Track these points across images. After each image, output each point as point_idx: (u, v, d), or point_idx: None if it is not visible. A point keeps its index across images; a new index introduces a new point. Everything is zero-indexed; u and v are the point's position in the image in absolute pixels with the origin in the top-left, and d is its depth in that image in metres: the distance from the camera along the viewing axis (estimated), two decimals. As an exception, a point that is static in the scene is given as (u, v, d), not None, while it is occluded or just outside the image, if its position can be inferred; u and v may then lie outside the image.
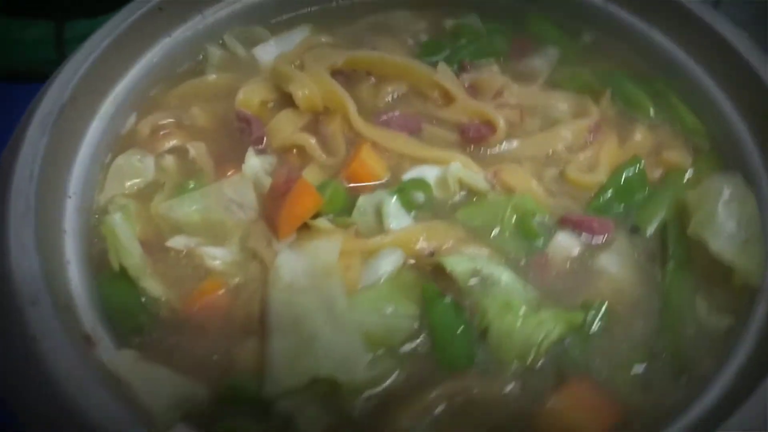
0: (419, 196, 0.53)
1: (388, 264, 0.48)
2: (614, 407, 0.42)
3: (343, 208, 0.53)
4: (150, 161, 0.57)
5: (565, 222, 0.51)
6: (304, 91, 0.58)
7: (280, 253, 0.49)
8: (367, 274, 0.48)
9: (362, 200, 0.53)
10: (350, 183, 0.55)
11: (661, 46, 0.61)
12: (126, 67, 0.60)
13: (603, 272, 0.49)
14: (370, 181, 0.55)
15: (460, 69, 0.63)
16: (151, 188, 0.56)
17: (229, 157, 0.57)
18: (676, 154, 0.54)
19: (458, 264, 0.48)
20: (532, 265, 0.50)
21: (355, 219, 0.51)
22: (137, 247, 0.48)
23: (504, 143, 0.57)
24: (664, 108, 0.59)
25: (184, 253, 0.51)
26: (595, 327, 0.46)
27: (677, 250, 0.49)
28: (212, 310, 0.48)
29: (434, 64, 0.62)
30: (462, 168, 0.54)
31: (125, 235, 0.48)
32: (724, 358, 0.43)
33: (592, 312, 0.46)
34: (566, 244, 0.50)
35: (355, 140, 0.58)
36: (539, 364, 0.44)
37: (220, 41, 0.66)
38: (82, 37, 0.82)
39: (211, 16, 0.66)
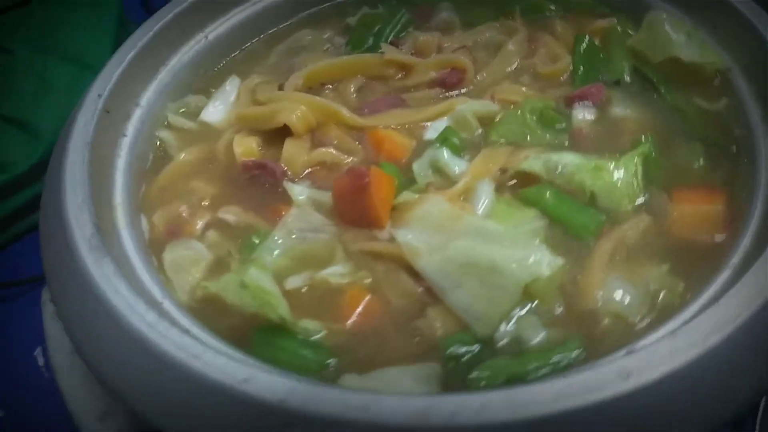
0: (456, 140, 0.58)
1: (486, 194, 0.53)
2: (715, 189, 0.52)
3: (404, 183, 0.56)
4: (196, 244, 0.55)
5: (570, 100, 0.60)
6: (296, 114, 0.60)
7: (395, 235, 0.51)
8: (477, 209, 0.52)
9: (416, 166, 0.56)
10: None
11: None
12: (108, 175, 0.57)
13: (623, 118, 0.59)
14: (405, 155, 0.59)
15: (394, 46, 0.69)
16: (218, 263, 0.54)
17: (266, 203, 0.57)
18: (600, 22, 0.66)
19: (532, 165, 0.54)
20: (573, 140, 0.58)
21: (424, 181, 0.55)
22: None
23: (477, 78, 0.65)
24: (560, 3, 0.71)
25: (306, 288, 0.50)
26: (653, 153, 0.55)
27: (656, 76, 0.60)
28: (374, 313, 0.48)
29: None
30: (468, 103, 0.60)
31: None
32: (745, 121, 0.55)
33: (645, 144, 0.55)
34: (583, 114, 0.59)
35: (359, 137, 0.61)
36: (645, 193, 0.52)
37: (166, 123, 0.65)
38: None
39: (146, 103, 0.64)
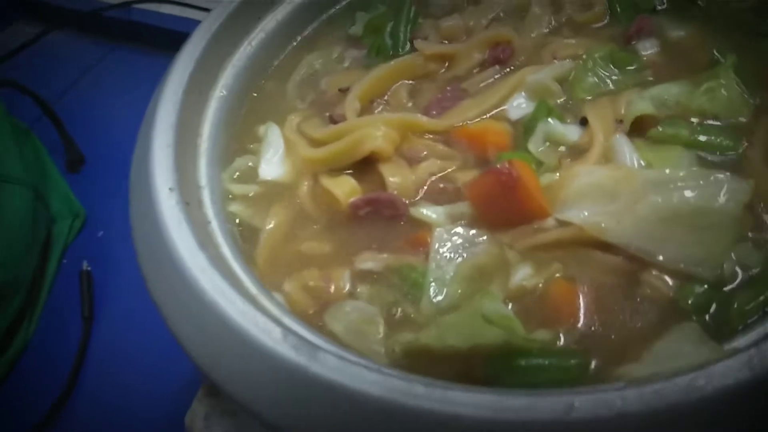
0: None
1: (626, 147, 0.51)
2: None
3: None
4: (355, 304, 0.50)
5: (628, 38, 0.61)
6: (380, 136, 0.55)
7: (567, 218, 0.49)
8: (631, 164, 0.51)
9: (533, 146, 0.54)
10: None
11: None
12: (228, 269, 0.50)
13: (682, 38, 0.61)
14: (510, 140, 0.56)
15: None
16: (391, 313, 0.49)
17: (396, 237, 0.53)
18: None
19: (642, 107, 0.54)
20: (655, 72, 0.58)
21: (553, 158, 0.54)
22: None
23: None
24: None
25: (509, 302, 0.47)
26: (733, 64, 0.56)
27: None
28: (592, 300, 0.46)
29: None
30: (544, 70, 0.59)
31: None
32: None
33: (731, 56, 0.56)
34: (648, 46, 0.60)
35: (443, 140, 0.58)
36: (754, 98, 0.54)
37: (230, 196, 0.58)
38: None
39: (206, 182, 0.56)
